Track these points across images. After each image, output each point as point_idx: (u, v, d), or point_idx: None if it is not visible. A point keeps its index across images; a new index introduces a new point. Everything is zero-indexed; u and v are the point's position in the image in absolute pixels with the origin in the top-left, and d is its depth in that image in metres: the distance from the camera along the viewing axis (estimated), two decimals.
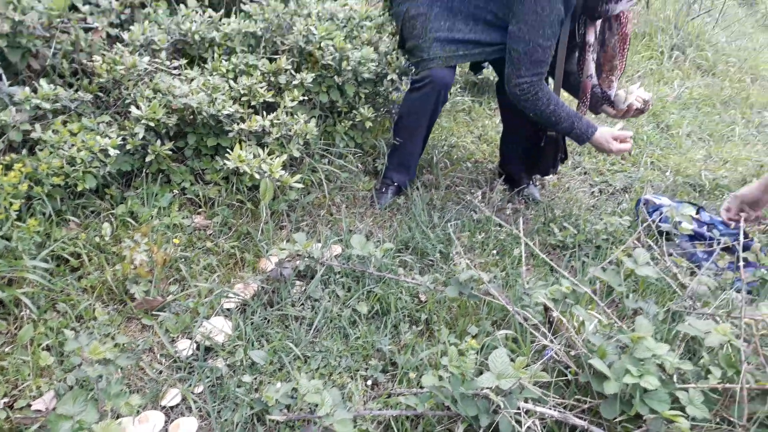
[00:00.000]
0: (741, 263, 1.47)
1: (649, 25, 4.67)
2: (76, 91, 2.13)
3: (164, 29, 2.34)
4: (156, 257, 1.77)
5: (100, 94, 2.22)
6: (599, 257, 2.16)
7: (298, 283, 1.94)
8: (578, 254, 2.20)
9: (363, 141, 2.62)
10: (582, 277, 1.98)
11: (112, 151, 1.93)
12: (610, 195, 2.74)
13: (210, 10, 2.41)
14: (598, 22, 2.21)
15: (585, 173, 2.90)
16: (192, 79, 2.18)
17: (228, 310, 1.83)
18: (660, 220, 2.16)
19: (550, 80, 2.34)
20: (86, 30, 2.10)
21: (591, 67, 2.26)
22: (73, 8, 2.01)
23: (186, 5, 2.47)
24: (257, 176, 1.98)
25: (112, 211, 2.06)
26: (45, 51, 2.07)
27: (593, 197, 2.71)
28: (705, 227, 2.23)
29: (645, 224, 2.18)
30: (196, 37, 2.32)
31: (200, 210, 2.21)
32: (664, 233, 2.12)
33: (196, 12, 2.40)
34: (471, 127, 3.20)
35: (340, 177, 2.46)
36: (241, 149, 2.05)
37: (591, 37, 2.21)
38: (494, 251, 2.18)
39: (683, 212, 2.08)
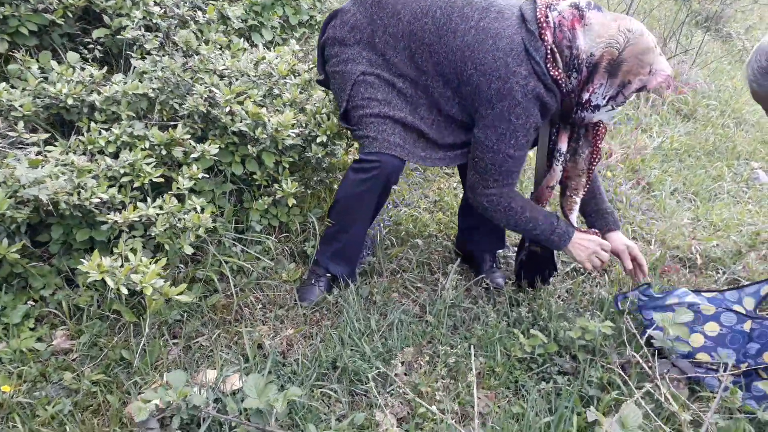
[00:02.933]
0: None
1: None
2: None
3: (31, 92, 1.87)
4: None
5: None
6: (577, 376, 1.71)
7: None
8: (551, 370, 1.75)
9: (288, 219, 2.16)
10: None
11: None
12: (586, 276, 2.30)
13: (91, 68, 1.94)
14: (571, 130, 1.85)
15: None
16: (54, 159, 1.70)
17: None
18: (653, 326, 1.72)
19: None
20: None
21: (556, 178, 1.89)
22: None
23: (64, 60, 2.01)
24: (125, 291, 1.50)
25: None
26: None
27: (565, 280, 2.27)
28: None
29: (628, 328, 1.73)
30: (70, 101, 1.85)
31: (63, 327, 1.71)
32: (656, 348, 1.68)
33: (74, 70, 1.94)
34: (426, 190, 2.76)
35: (255, 269, 1.98)
36: (111, 251, 1.57)
37: (563, 145, 1.83)
38: (444, 370, 1.72)
39: (679, 321, 1.64)
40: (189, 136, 1.88)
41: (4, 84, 1.84)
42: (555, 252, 2.02)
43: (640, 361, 1.59)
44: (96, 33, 2.24)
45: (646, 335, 1.68)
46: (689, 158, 3.39)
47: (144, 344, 1.65)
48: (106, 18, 2.24)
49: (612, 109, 1.68)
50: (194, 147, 1.88)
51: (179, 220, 1.71)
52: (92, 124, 1.85)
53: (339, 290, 1.99)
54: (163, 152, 1.85)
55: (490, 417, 1.60)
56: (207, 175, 1.90)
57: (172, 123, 1.96)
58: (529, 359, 1.79)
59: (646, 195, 2.95)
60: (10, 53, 2.07)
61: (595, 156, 1.88)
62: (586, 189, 1.93)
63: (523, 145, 1.71)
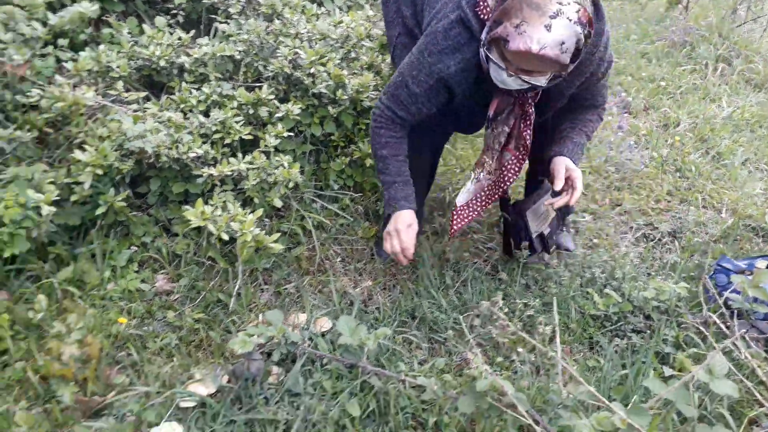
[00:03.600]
0: None
1: (689, 34, 4.21)
2: (18, 128, 1.78)
3: (126, 54, 1.99)
4: (91, 350, 1.40)
5: (50, 131, 1.87)
6: (651, 334, 1.74)
7: (275, 370, 1.56)
8: (624, 328, 1.79)
9: (363, 179, 2.23)
10: (636, 388, 1.55)
11: (46, 209, 1.57)
12: (656, 242, 2.31)
13: (179, 31, 2.05)
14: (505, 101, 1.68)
15: (625, 212, 2.48)
16: (152, 115, 1.81)
17: (184, 410, 1.45)
18: (729, 289, 1.74)
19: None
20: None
21: (490, 142, 1.77)
22: None
23: (150, 25, 2.11)
24: (225, 236, 1.61)
25: (56, 277, 1.71)
26: None
27: (637, 244, 2.28)
28: None
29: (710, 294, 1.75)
30: (162, 62, 1.95)
31: (163, 270, 1.84)
32: (735, 310, 1.69)
33: (164, 33, 2.04)
34: None
35: (334, 225, 2.08)
36: (205, 203, 1.68)
37: (490, 111, 1.68)
38: (519, 324, 1.78)
39: (760, 281, 1.65)
40: (273, 97, 1.96)
41: (102, 47, 1.95)
42: (529, 225, 1.89)
43: (717, 321, 1.61)
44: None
45: (724, 297, 1.70)
46: (761, 129, 3.30)
47: (238, 288, 1.76)
48: None
49: (489, 59, 1.47)
50: (278, 107, 1.97)
51: (269, 174, 1.81)
52: (183, 84, 1.96)
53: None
54: (250, 111, 1.94)
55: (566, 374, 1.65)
56: (291, 134, 1.98)
57: (256, 84, 2.05)
58: (603, 317, 1.83)
59: (716, 164, 2.90)
60: (101, 19, 2.19)
61: (514, 141, 1.72)
62: (496, 173, 1.78)
63: (422, 83, 1.59)
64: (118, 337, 1.59)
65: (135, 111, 1.86)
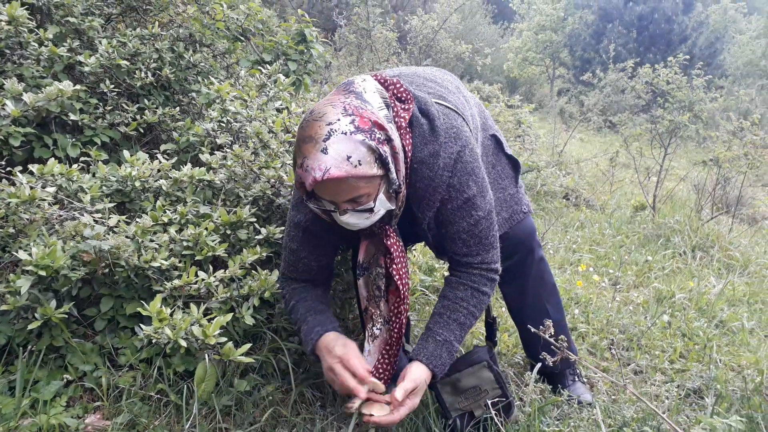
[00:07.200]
0: None
1: (661, 227, 4.35)
2: None
3: (99, 177, 1.88)
4: None
5: None
6: None
7: None
8: None
9: (352, 310, 1.98)
10: None
11: None
12: (682, 400, 2.00)
13: (162, 157, 1.98)
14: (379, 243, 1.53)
15: (640, 372, 2.21)
16: (117, 222, 1.64)
17: None
18: None
19: None
20: None
21: (363, 292, 1.58)
22: None
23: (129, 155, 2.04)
24: (183, 343, 1.31)
25: None
26: None
27: (662, 400, 1.97)
28: None
29: None
30: (137, 184, 1.84)
31: (100, 405, 1.47)
32: None
33: (144, 163, 1.96)
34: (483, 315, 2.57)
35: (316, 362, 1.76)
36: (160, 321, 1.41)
37: (360, 257, 1.55)
38: None
39: None
40: (255, 219, 1.82)
41: (75, 166, 1.85)
42: (443, 399, 1.58)
43: None
44: (163, 147, 2.32)
45: None
46: (756, 304, 3.19)
47: (190, 425, 1.39)
48: (175, 135, 2.34)
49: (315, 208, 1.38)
50: (258, 230, 1.81)
51: (241, 287, 1.57)
52: (158, 203, 1.82)
53: None
54: (228, 232, 1.78)
55: None
56: (272, 254, 1.79)
57: (235, 209, 1.92)
58: None
59: (723, 331, 2.71)
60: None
61: (390, 283, 1.51)
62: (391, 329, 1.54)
63: (294, 238, 1.53)
64: None
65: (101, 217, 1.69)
